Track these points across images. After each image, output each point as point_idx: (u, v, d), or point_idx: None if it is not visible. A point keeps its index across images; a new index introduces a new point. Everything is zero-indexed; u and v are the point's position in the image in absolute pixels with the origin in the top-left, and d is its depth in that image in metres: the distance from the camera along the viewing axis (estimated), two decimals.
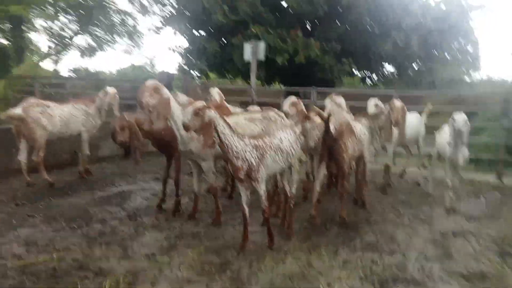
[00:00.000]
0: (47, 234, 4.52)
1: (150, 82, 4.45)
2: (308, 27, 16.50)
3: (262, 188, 4.05)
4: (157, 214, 5.37)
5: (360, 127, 5.44)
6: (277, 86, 17.67)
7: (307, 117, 5.06)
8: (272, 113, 5.33)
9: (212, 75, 18.13)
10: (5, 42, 21.77)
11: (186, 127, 3.79)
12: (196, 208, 5.24)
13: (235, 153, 3.83)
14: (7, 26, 21.55)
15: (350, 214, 5.42)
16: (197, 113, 3.72)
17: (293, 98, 5.61)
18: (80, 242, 4.32)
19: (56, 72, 23.34)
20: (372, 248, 4.42)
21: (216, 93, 6.54)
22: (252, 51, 11.30)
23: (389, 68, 17.83)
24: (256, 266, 3.84)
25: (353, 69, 16.63)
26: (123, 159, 7.45)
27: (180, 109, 4.56)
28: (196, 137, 4.62)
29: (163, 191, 5.63)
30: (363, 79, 18.37)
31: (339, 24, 15.32)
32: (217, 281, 3.55)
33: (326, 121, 4.84)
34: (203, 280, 3.57)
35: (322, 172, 5.14)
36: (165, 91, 4.46)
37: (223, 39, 15.99)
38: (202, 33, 16.30)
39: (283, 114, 5.38)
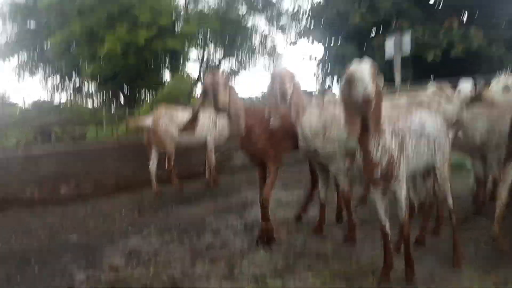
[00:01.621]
0: (154, 245, 4.03)
1: (285, 69, 3.65)
2: (466, 15, 13.99)
3: (403, 191, 2.78)
4: (278, 227, 4.45)
5: None
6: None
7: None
8: (428, 93, 3.97)
9: None
10: (167, 75, 24.48)
11: (369, 102, 2.41)
12: (323, 220, 4.15)
13: (377, 143, 2.63)
14: (167, 60, 24.28)
15: None
16: (375, 75, 2.48)
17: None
18: (184, 256, 3.68)
19: None
20: None
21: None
22: (395, 46, 9.77)
23: None
24: None
25: None
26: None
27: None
28: (322, 132, 3.64)
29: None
30: None
31: (509, 4, 12.45)
32: None
33: None
34: None
35: (510, 176, 3.49)
36: (297, 79, 3.62)
37: (361, 43, 14.68)
38: (339, 39, 15.29)
39: (447, 95, 4.01)
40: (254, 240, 3.99)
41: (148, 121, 6.41)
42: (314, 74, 16.26)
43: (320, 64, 16.08)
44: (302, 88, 3.73)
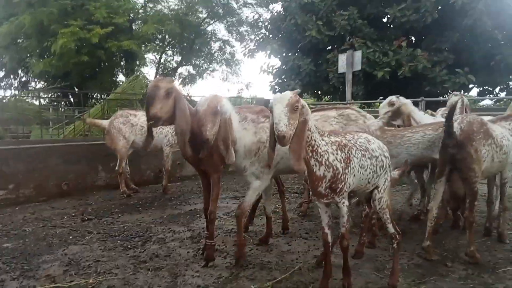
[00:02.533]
0: (96, 253, 3.91)
1: (207, 104, 3.20)
2: (414, 38, 14.84)
3: (345, 204, 2.89)
4: (225, 237, 4.48)
5: (500, 131, 3.93)
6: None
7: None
8: (351, 110, 4.21)
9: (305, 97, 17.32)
10: (122, 77, 23.77)
11: (282, 138, 2.45)
12: (270, 232, 4.23)
13: (318, 157, 2.71)
14: (123, 61, 23.61)
15: (482, 249, 3.90)
16: (295, 106, 2.50)
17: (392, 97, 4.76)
18: (126, 265, 3.60)
19: None
20: None
21: None
22: (347, 62, 10.18)
23: None
24: None
25: (470, 82, 14.20)
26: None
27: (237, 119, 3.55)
28: (255, 151, 3.57)
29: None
30: (481, 93, 15.73)
31: (451, 31, 13.34)
32: None
33: (448, 118, 3.52)
34: None
35: (440, 192, 3.76)
36: (225, 107, 3.27)
37: (317, 56, 15.12)
38: (295, 52, 15.64)
39: (365, 113, 4.26)
40: (199, 250, 3.98)
41: (104, 122, 6.63)
42: (270, 85, 16.47)
43: (278, 77, 16.33)
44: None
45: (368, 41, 13.57)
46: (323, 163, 2.71)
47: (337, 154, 2.78)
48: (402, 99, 4.86)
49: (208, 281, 3.28)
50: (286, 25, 15.08)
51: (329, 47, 15.21)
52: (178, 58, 25.22)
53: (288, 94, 2.53)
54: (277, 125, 2.45)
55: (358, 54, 10.29)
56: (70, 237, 4.43)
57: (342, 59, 10.41)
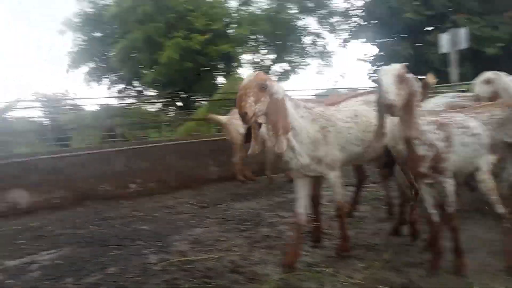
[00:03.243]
0: (215, 234, 4.42)
1: (251, 80, 2.85)
2: None
3: (451, 184, 2.87)
4: (331, 221, 4.66)
5: None
6: None
7: None
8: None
9: None
10: (222, 79, 25.18)
11: (391, 108, 2.44)
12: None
13: (420, 136, 2.73)
14: (221, 65, 25.01)
15: None
16: (403, 77, 2.52)
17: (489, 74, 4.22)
18: (243, 244, 4.02)
19: None
20: None
21: None
22: (451, 41, 9.51)
23: None
24: None
25: None
26: None
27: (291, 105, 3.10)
28: (322, 138, 3.18)
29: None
30: None
31: None
32: None
33: None
34: None
35: None
36: (276, 86, 2.91)
37: (415, 39, 14.36)
38: (392, 37, 15.04)
39: None
40: (307, 233, 4.23)
41: (222, 118, 7.23)
42: (368, 73, 16.11)
43: (375, 64, 15.89)
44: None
45: (473, 16, 12.52)
46: (424, 142, 2.75)
47: (437, 133, 2.79)
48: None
49: (317, 258, 3.52)
50: (381, 10, 14.61)
51: (428, 28, 14.35)
52: (272, 56, 25.84)
53: (397, 65, 2.60)
54: (386, 94, 2.48)
55: (463, 32, 9.55)
56: (192, 221, 5.05)
57: (445, 38, 9.76)
